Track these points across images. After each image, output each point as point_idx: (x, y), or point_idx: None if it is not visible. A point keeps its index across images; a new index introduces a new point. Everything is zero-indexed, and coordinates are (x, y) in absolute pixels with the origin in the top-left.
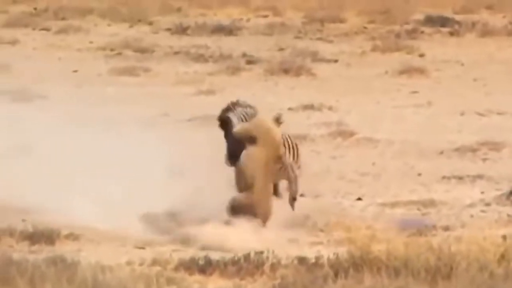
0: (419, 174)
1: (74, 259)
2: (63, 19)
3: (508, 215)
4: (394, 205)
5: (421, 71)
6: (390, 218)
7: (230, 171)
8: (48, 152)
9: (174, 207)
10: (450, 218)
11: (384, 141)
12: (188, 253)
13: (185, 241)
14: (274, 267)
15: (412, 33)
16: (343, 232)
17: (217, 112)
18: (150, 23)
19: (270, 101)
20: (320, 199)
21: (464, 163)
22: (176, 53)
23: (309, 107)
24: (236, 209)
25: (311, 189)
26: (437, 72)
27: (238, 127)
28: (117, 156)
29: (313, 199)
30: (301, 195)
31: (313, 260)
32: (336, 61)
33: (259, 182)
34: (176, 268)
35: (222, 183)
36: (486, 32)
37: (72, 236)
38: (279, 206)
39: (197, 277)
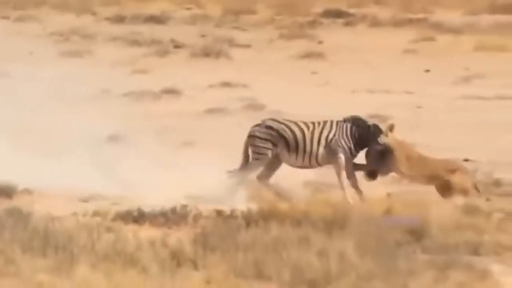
0: None
1: (28, 211)
2: (21, 9)
3: (392, 177)
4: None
5: (320, 55)
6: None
7: (160, 139)
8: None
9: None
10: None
11: (289, 114)
12: (124, 206)
13: None
14: (196, 218)
15: (313, 24)
16: (252, 191)
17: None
18: (94, 13)
19: (193, 79)
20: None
21: None
22: (115, 38)
23: (227, 84)
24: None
25: (229, 154)
26: (334, 56)
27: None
28: (64, 128)
29: None
30: None
31: (229, 213)
32: (249, 46)
33: None
34: (114, 219)
35: (149, 150)
36: (375, 23)
37: (27, 191)
38: None
39: (132, 226)
